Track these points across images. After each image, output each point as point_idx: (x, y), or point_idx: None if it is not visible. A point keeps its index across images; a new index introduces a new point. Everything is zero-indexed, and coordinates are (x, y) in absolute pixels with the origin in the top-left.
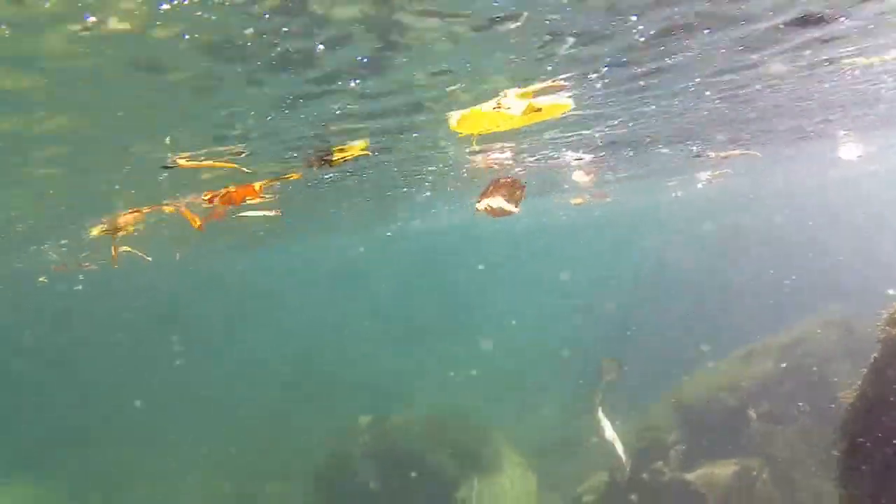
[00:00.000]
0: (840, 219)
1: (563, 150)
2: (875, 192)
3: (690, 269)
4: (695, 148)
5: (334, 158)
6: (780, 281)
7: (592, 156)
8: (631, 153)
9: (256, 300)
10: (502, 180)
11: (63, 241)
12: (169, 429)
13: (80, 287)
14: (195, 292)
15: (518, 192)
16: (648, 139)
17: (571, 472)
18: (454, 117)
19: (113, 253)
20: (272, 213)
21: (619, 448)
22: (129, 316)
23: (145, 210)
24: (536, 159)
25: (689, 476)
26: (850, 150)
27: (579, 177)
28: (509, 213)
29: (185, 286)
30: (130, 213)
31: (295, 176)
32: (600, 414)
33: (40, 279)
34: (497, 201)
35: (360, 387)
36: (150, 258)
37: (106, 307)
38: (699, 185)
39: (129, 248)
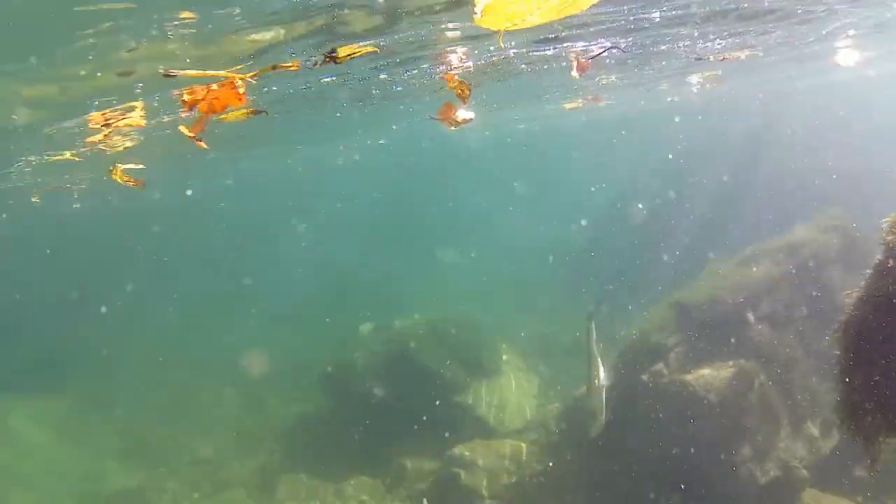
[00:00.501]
0: (839, 125)
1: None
2: (876, 99)
3: (690, 174)
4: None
5: (340, 55)
6: (780, 187)
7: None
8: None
9: (255, 212)
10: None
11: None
12: (174, 341)
13: (78, 206)
14: (191, 206)
15: (466, 91)
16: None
17: (572, 375)
18: (479, 6)
19: (118, 175)
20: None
21: (601, 401)
22: (134, 230)
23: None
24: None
25: (688, 378)
26: (848, 55)
27: (576, 71)
28: (464, 120)
29: (179, 201)
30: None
31: (293, 66)
32: (599, 362)
33: (33, 199)
34: (449, 111)
35: (360, 295)
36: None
37: (112, 220)
38: (693, 90)
39: (121, 165)
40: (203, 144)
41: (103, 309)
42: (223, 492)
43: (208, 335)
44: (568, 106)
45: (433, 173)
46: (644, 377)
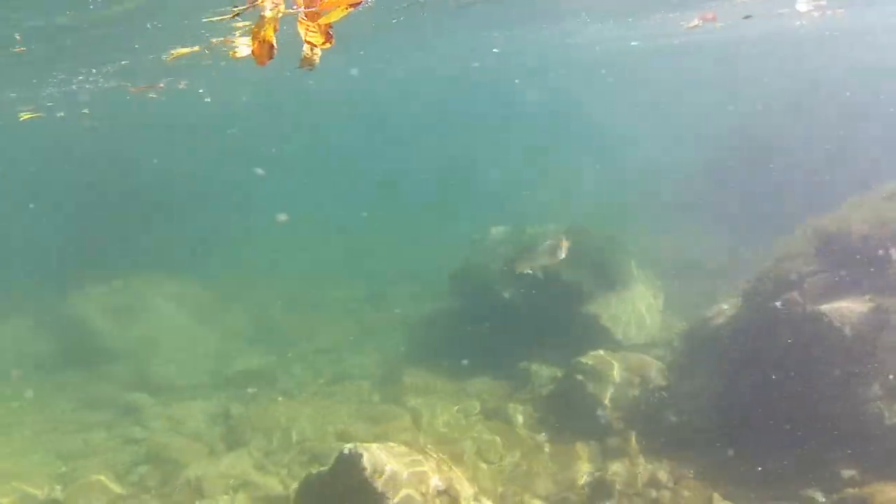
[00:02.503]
0: None
1: None
2: None
3: (825, 103)
4: None
5: None
6: None
7: None
8: None
9: (385, 115)
10: None
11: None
12: (304, 239)
13: (208, 100)
14: (319, 109)
15: None
16: None
17: (698, 295)
18: None
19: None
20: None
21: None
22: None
23: None
24: None
25: (824, 308)
26: None
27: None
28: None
29: (302, 108)
30: None
31: None
32: None
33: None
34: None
35: (493, 200)
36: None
37: (250, 115)
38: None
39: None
40: (329, 44)
41: (250, 203)
42: (346, 381)
43: (343, 231)
44: (688, 25)
45: (565, 85)
46: (777, 304)
